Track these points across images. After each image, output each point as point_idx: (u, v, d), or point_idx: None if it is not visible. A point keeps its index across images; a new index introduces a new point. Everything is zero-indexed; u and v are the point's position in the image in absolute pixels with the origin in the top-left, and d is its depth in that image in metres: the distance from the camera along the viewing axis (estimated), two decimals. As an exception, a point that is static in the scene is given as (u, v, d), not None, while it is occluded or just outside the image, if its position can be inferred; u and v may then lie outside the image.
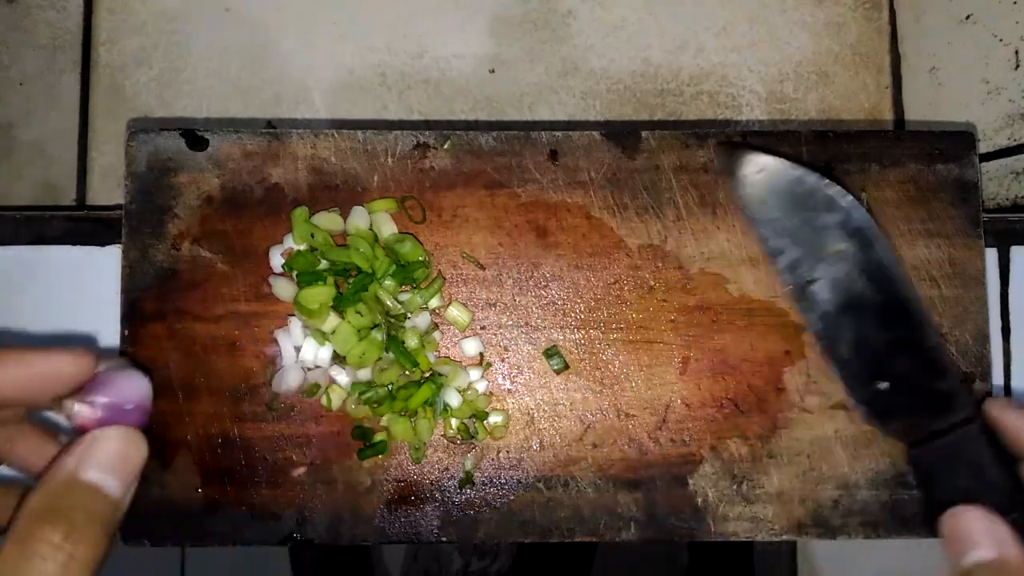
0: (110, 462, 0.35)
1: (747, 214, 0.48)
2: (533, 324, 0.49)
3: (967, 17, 0.67)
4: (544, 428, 0.49)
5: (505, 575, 1.04)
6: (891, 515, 0.48)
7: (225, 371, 0.48)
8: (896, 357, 0.45)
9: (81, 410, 0.37)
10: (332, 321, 0.47)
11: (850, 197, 0.46)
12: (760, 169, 0.47)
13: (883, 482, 0.48)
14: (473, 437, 0.48)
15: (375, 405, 0.47)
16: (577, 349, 0.49)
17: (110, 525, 0.34)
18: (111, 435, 0.36)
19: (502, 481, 0.49)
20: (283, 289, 0.48)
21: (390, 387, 0.47)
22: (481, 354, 0.49)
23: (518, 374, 0.49)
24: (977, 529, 0.38)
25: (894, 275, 0.46)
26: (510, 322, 0.49)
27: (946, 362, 0.45)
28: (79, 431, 0.36)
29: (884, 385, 0.45)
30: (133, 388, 0.39)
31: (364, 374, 0.48)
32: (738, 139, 0.49)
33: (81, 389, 0.38)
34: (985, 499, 0.40)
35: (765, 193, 0.47)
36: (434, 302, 0.49)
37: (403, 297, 0.48)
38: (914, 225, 0.50)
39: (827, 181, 0.46)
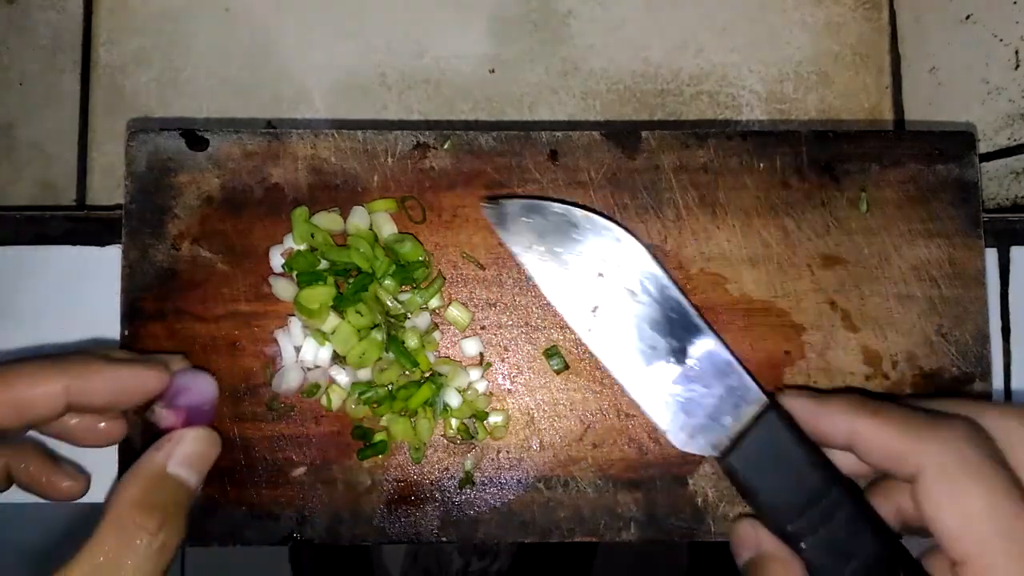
0: (192, 458, 0.41)
1: (519, 262, 0.48)
2: (533, 324, 0.49)
3: (967, 17, 0.67)
4: (544, 428, 0.49)
5: (505, 575, 1.04)
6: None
7: (225, 371, 0.48)
8: (682, 365, 0.45)
9: (168, 416, 0.43)
10: (332, 321, 0.47)
11: (605, 223, 0.46)
12: (522, 215, 0.47)
13: (883, 482, 0.48)
14: (473, 437, 0.48)
15: (375, 405, 0.47)
16: (577, 349, 0.49)
17: (188, 515, 0.40)
18: (193, 435, 0.42)
19: (502, 481, 0.49)
20: (283, 289, 0.48)
21: (390, 387, 0.47)
22: (481, 354, 0.49)
23: (518, 374, 0.49)
24: (741, 535, 0.42)
25: (665, 284, 0.46)
26: (510, 322, 0.49)
27: (729, 358, 0.44)
28: (164, 431, 0.43)
29: (680, 396, 0.44)
30: (206, 389, 0.46)
31: (364, 374, 0.48)
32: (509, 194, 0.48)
33: (162, 395, 0.44)
34: (801, 484, 0.40)
35: (532, 238, 0.47)
36: (434, 302, 0.49)
37: (403, 297, 0.48)
38: (914, 225, 0.50)
39: (578, 212, 0.47)
